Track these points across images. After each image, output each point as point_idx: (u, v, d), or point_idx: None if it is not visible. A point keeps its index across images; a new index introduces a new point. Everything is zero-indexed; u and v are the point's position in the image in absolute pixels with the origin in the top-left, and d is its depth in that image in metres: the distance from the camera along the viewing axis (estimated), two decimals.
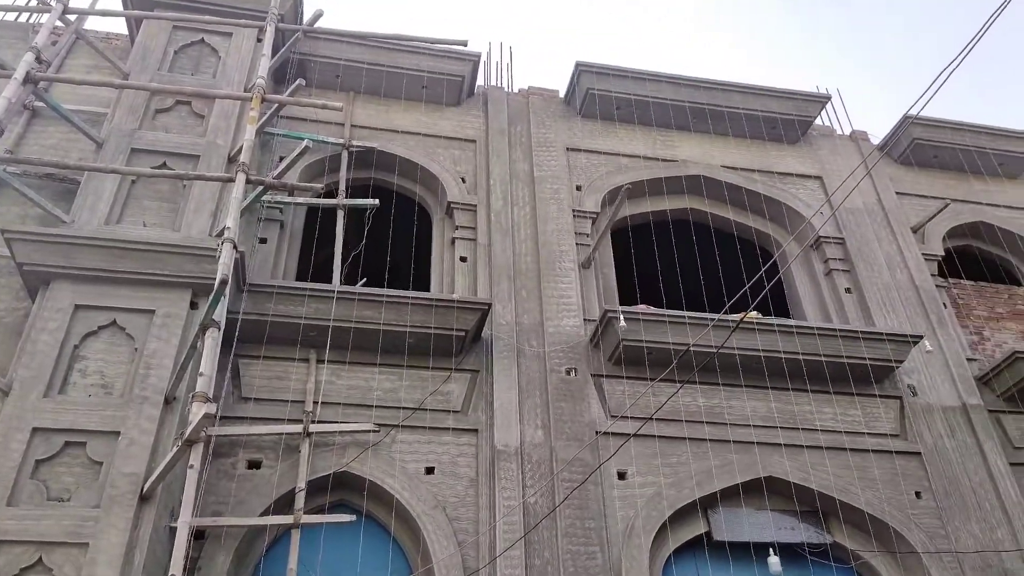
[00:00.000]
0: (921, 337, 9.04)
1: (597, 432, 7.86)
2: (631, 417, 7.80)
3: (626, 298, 10.00)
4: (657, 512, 7.56)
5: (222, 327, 6.30)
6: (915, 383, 9.09)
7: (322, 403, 7.49)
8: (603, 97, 10.65)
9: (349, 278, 8.64)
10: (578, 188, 10.12)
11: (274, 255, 8.66)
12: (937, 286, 10.33)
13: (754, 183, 10.77)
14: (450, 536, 7.00)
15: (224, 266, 6.18)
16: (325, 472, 7.14)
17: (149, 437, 6.17)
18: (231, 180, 7.14)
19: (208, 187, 7.81)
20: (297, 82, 8.57)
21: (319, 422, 7.34)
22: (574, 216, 9.75)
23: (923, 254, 10.53)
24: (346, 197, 9.03)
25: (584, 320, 8.81)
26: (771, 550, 7.43)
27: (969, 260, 11.29)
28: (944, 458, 8.54)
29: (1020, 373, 9.05)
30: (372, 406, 7.57)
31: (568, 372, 8.34)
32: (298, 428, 7.18)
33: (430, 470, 7.44)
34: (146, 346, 6.67)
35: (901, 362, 8.89)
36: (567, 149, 10.44)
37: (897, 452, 8.48)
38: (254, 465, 7.13)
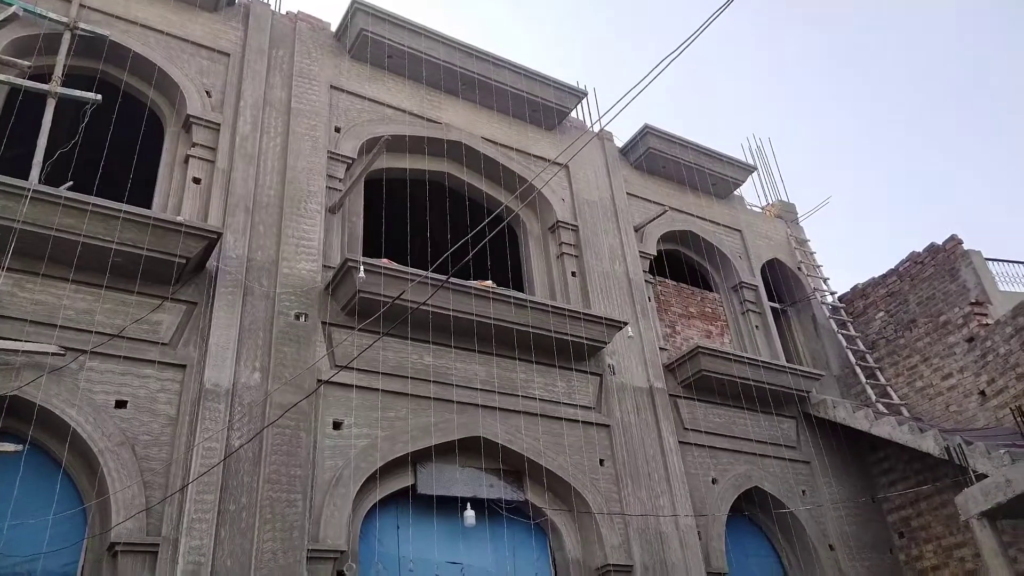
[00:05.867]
0: (626, 323, 10.09)
1: (320, 381, 7.67)
2: (356, 368, 7.74)
3: (370, 250, 9.87)
4: (367, 463, 7.61)
5: None
6: (615, 363, 10.13)
7: None
8: (376, 42, 10.30)
9: (53, 179, 7.46)
10: (337, 130, 9.73)
11: None
12: (646, 281, 11.60)
13: (510, 160, 11.17)
14: (135, 475, 6.42)
15: None
16: None
17: None
18: None
19: None
20: None
21: None
22: (328, 158, 9.37)
23: (640, 252, 11.75)
24: (61, 84, 7.76)
25: (323, 266, 8.53)
26: (467, 504, 7.88)
27: (674, 262, 12.84)
28: (628, 432, 9.64)
29: (698, 365, 10.53)
30: (59, 326, 6.65)
31: (297, 317, 8.03)
32: None
33: (121, 403, 6.76)
34: None
35: (607, 343, 9.85)
36: (331, 87, 9.97)
37: (591, 423, 9.40)
38: None
